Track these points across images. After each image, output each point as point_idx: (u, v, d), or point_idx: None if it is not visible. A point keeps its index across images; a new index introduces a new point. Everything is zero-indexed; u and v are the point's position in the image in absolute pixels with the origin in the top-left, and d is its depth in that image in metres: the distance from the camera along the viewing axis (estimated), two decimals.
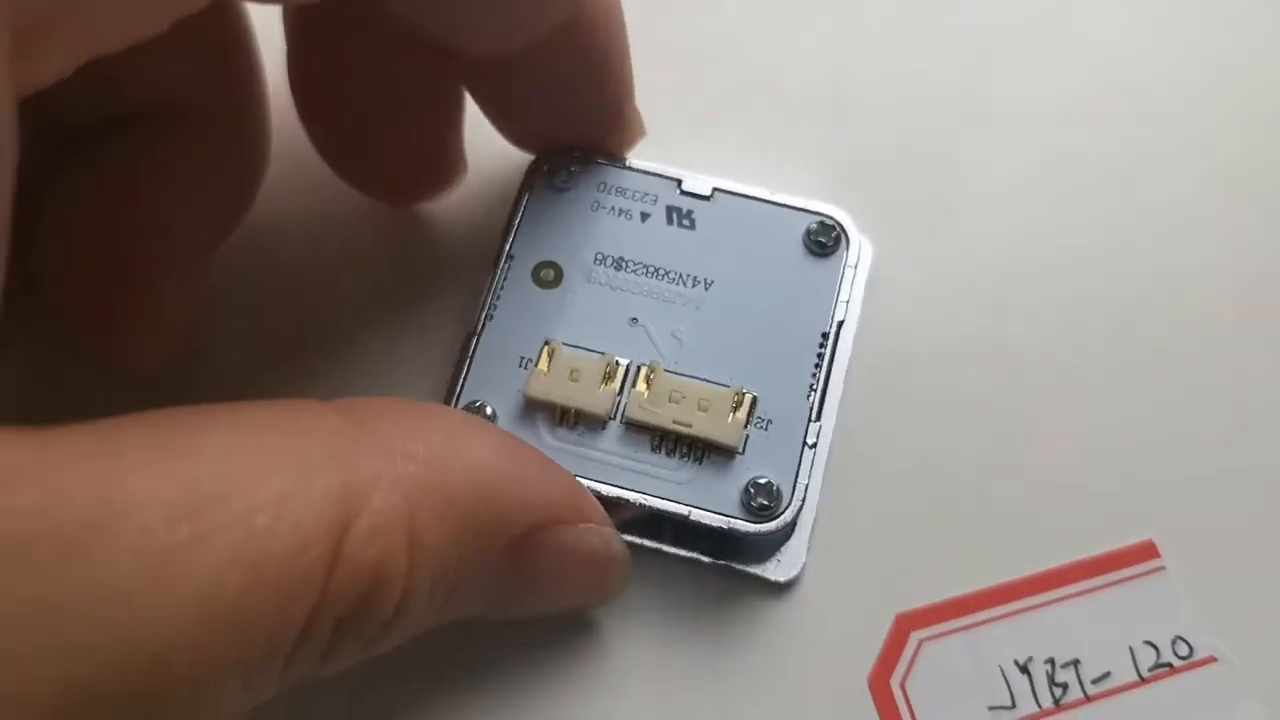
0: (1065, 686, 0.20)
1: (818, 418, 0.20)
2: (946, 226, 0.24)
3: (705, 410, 0.20)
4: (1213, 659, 0.20)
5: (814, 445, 0.20)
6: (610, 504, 0.20)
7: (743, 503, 0.20)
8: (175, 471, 0.13)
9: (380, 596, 0.14)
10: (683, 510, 0.20)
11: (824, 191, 0.22)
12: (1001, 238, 0.24)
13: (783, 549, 0.21)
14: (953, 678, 0.20)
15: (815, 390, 0.21)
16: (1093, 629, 0.20)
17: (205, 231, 0.21)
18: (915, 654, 0.20)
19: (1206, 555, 0.21)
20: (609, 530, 0.19)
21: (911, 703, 0.20)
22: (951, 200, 0.24)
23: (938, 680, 0.20)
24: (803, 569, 0.21)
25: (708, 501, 0.20)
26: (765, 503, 0.20)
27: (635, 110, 0.22)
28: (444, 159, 0.23)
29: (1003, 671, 0.20)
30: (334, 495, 0.14)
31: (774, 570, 0.21)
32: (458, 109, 0.22)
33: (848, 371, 0.21)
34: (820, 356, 0.21)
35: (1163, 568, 0.21)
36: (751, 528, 0.20)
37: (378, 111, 0.21)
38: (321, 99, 0.21)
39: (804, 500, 0.20)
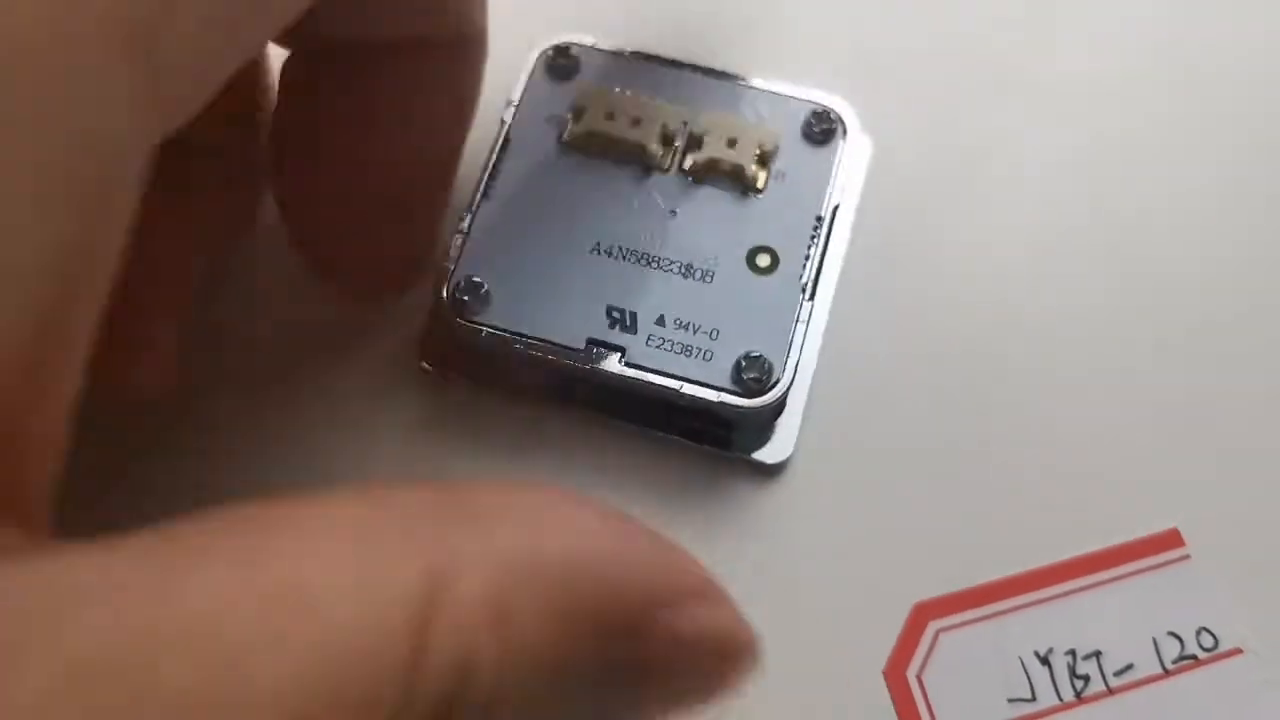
0: (1087, 678, 0.19)
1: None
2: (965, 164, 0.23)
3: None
4: (1238, 651, 0.20)
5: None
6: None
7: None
8: (252, 566, 0.12)
9: (468, 690, 0.13)
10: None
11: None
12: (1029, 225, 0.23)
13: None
14: (971, 669, 0.19)
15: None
16: (1115, 620, 0.20)
17: (202, 264, 0.20)
18: (933, 644, 0.20)
19: (1232, 544, 0.20)
20: (735, 608, 0.16)
21: (929, 694, 0.19)
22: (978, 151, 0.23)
23: (956, 671, 0.19)
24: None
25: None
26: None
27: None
28: (418, 253, 0.22)
29: (1023, 663, 0.20)
30: (416, 582, 0.12)
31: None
32: (442, 205, 0.21)
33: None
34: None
35: (1187, 557, 0.20)
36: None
37: (361, 200, 0.20)
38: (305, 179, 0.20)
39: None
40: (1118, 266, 0.22)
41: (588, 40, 0.22)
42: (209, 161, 0.20)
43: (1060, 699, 0.19)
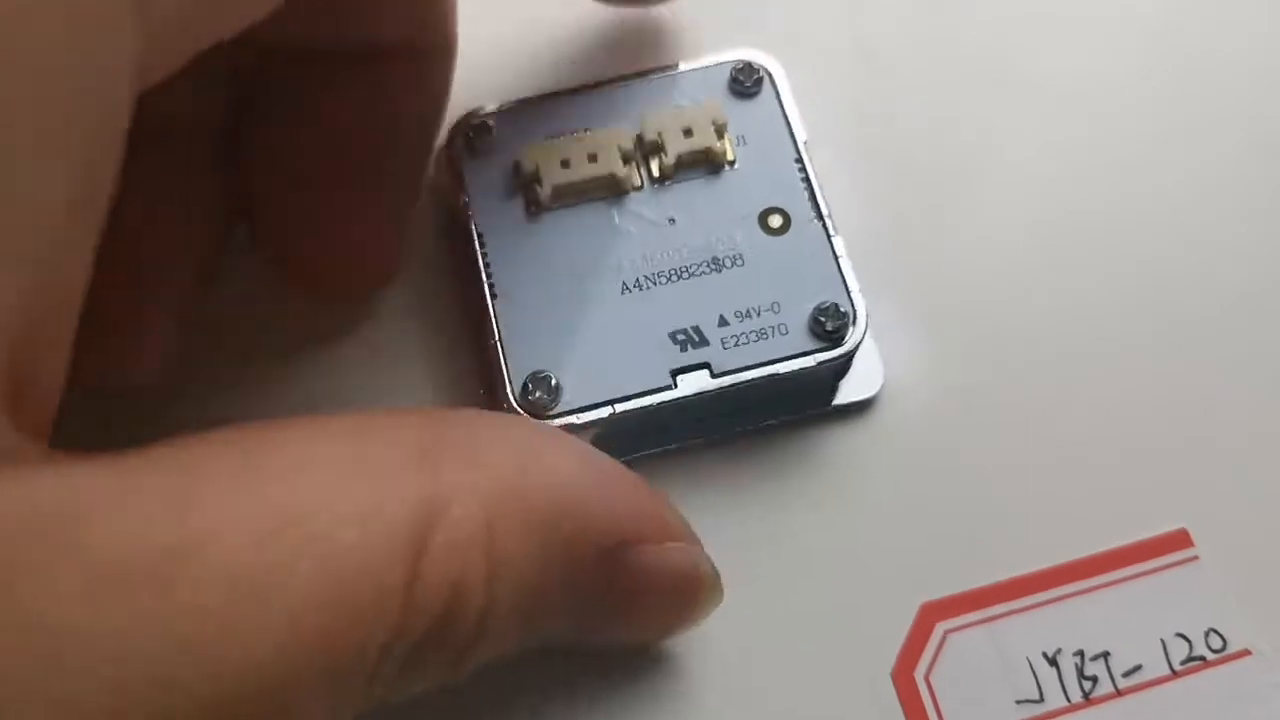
0: (1095, 680, 0.19)
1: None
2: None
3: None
4: (1247, 652, 0.19)
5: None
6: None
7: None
8: (255, 492, 0.13)
9: (460, 612, 0.14)
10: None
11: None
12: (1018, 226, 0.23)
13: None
14: (979, 670, 0.19)
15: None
16: (1123, 621, 0.20)
17: (195, 261, 0.20)
18: (940, 645, 0.19)
19: (1241, 545, 0.20)
20: (699, 549, 0.18)
21: (936, 695, 0.19)
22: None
23: (963, 672, 0.19)
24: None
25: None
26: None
27: None
28: (383, 254, 0.21)
29: (1030, 664, 0.19)
30: (413, 508, 0.13)
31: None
32: (410, 202, 0.22)
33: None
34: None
35: (1196, 557, 0.20)
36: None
37: (329, 195, 0.20)
38: (270, 178, 0.20)
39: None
40: (1125, 264, 0.22)
41: (490, 107, 0.22)
42: (206, 147, 0.20)
43: (1068, 700, 0.19)
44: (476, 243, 0.21)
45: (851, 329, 0.20)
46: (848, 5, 0.25)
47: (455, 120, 0.22)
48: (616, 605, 0.17)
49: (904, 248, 0.22)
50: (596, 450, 0.17)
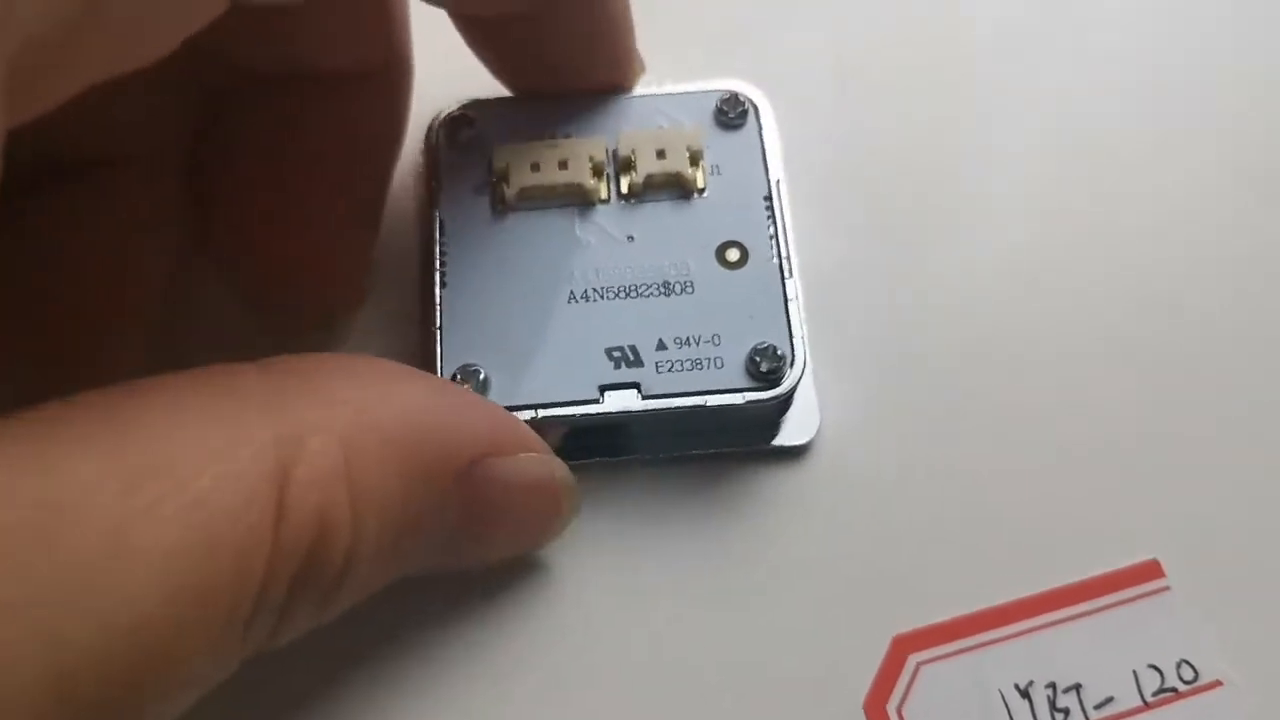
0: (1067, 712, 0.19)
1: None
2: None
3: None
4: (1218, 683, 0.19)
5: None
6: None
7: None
8: (118, 445, 0.13)
9: (328, 544, 0.14)
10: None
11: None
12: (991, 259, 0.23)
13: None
14: (952, 702, 0.19)
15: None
16: (1095, 652, 0.20)
17: (161, 277, 0.20)
18: (913, 677, 0.19)
19: (1212, 575, 0.20)
20: (552, 457, 0.18)
21: None
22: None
23: (936, 705, 0.19)
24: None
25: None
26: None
27: (636, 48, 0.22)
28: (345, 281, 0.21)
29: (1003, 696, 0.19)
30: (269, 447, 0.14)
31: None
32: (371, 225, 0.21)
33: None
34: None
35: (1167, 588, 0.20)
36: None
37: (289, 229, 0.20)
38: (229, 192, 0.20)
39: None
40: (1093, 294, 0.22)
41: (479, 100, 0.22)
42: (155, 169, 0.20)
43: None
44: (437, 229, 0.21)
45: (788, 373, 0.20)
46: (856, 41, 0.25)
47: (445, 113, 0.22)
48: (480, 521, 0.17)
49: (865, 291, 0.22)
50: (446, 380, 0.18)
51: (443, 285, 0.20)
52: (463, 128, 0.22)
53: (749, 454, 0.21)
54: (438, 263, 0.21)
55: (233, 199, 0.20)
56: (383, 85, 0.21)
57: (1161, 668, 0.19)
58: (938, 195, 0.23)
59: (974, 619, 0.20)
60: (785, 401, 0.20)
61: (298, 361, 0.16)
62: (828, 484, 0.21)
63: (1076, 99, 0.24)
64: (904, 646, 0.20)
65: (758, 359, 0.20)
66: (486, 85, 0.22)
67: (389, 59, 0.20)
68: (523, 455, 0.18)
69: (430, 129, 0.22)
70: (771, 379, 0.19)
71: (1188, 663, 0.19)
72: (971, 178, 0.23)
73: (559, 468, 0.18)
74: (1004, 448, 0.21)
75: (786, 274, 0.20)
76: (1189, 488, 0.21)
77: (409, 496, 0.15)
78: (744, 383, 0.19)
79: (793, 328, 0.20)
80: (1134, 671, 0.19)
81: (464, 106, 0.22)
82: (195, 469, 0.13)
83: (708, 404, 0.19)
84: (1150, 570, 0.20)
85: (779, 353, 0.20)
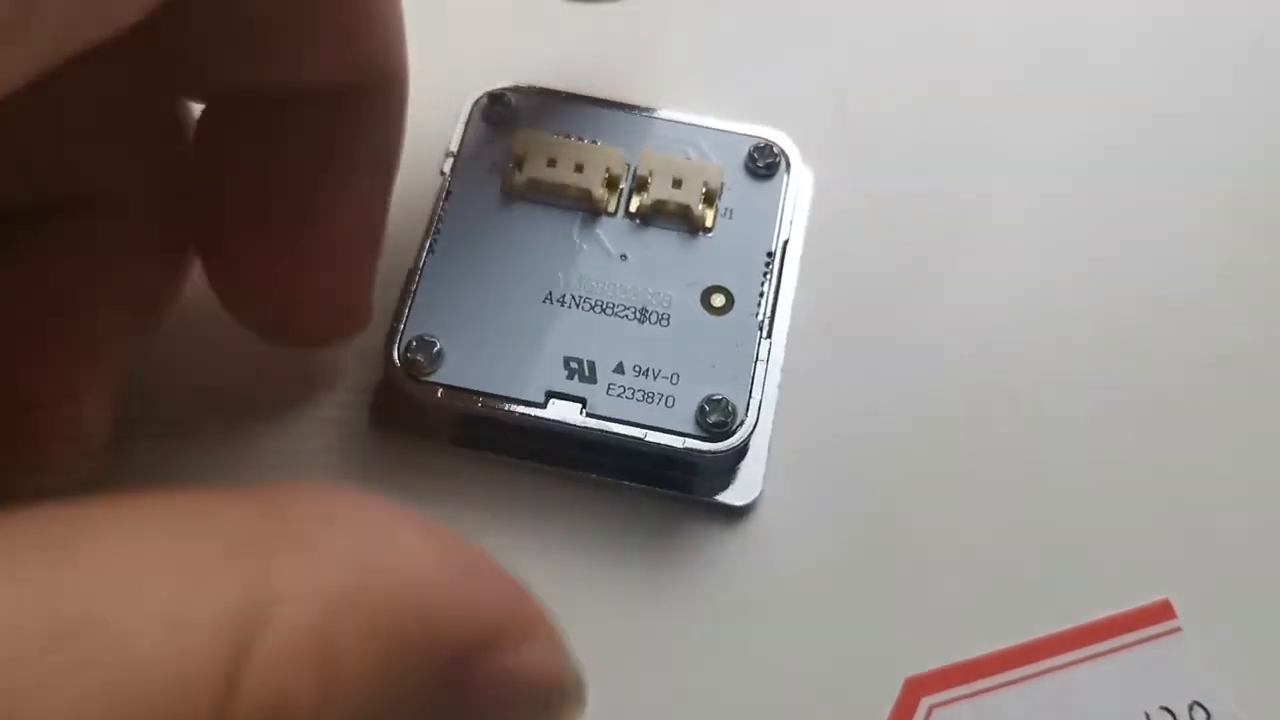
0: None
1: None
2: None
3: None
4: None
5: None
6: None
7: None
8: (50, 586, 0.11)
9: None
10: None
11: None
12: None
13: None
14: None
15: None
16: (1107, 694, 0.20)
17: (129, 334, 0.19)
18: (926, 719, 0.19)
19: (1226, 616, 0.20)
20: (559, 645, 0.16)
21: None
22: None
23: None
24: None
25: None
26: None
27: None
28: (348, 301, 0.21)
29: None
30: (229, 613, 0.11)
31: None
32: (374, 250, 0.21)
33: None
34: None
35: (1179, 629, 0.20)
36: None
37: (288, 251, 0.20)
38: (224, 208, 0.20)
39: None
40: (1099, 328, 0.22)
41: (523, 86, 0.22)
42: (137, 226, 0.19)
43: None
44: (443, 196, 0.21)
45: (736, 431, 0.19)
46: (911, 152, 0.24)
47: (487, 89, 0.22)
48: (469, 717, 0.15)
49: (848, 369, 0.22)
50: (456, 536, 0.15)
51: (430, 251, 0.21)
52: (499, 106, 0.22)
53: (696, 501, 0.20)
54: (433, 227, 0.21)
55: (228, 232, 0.19)
56: (375, 100, 0.20)
57: (1174, 710, 0.19)
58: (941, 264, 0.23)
59: (986, 661, 0.20)
60: (729, 457, 0.20)
61: (288, 496, 0.13)
62: (820, 499, 0.21)
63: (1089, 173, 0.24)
64: (917, 688, 0.19)
65: (708, 409, 0.19)
66: (540, 74, 0.22)
67: (380, 72, 0.20)
68: (527, 645, 0.15)
69: (476, 101, 0.22)
70: (717, 432, 0.19)
71: (1200, 705, 0.19)
72: (960, 276, 0.23)
73: (568, 661, 0.16)
74: (1021, 489, 0.21)
75: (764, 333, 0.20)
76: (1200, 527, 0.21)
77: (389, 685, 0.13)
78: (689, 428, 0.19)
79: (754, 388, 0.20)
80: (1146, 714, 0.19)
81: (508, 88, 0.22)
82: (136, 628, 0.11)
83: (646, 439, 0.19)
84: (1162, 611, 0.20)
85: (731, 407, 0.19)
